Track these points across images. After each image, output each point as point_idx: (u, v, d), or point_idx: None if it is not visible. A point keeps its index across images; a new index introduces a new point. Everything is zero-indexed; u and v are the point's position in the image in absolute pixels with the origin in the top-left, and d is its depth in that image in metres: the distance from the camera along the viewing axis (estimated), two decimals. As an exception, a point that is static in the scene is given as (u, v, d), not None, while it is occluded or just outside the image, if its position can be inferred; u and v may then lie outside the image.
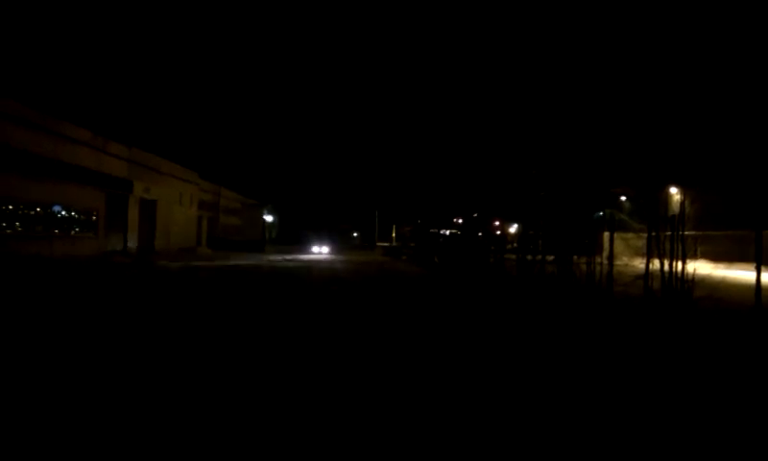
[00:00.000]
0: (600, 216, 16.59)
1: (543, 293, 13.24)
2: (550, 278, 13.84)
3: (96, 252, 27.96)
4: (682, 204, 10.34)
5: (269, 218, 62.10)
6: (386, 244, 57.25)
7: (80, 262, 22.20)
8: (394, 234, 71.51)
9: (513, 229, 27.41)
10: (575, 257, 13.25)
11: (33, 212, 24.08)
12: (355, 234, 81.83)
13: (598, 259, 12.50)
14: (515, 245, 19.66)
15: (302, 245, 48.77)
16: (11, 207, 22.55)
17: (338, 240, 55.11)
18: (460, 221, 33.90)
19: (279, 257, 35.28)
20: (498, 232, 26.75)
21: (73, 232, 27.35)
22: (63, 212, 26.51)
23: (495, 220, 27.72)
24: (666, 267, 9.94)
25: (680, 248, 9.78)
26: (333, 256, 39.85)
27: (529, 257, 15.66)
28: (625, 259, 15.74)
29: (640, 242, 13.44)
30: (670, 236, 10.04)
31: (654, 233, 10.49)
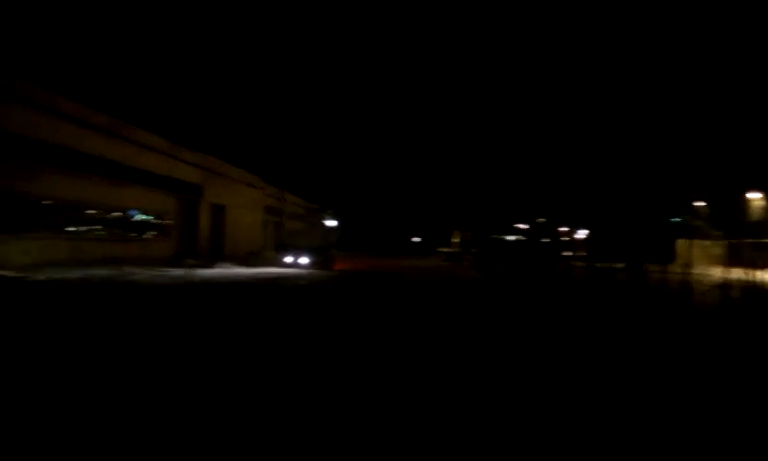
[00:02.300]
0: (676, 222, 15.75)
1: (615, 302, 12.64)
2: (621, 285, 13.22)
3: (168, 254, 29.30)
4: (766, 210, 9.61)
5: (331, 223, 62.95)
6: (447, 249, 56.75)
7: (156, 264, 23.27)
8: (455, 240, 70.94)
9: (580, 234, 26.50)
10: (648, 265, 12.61)
11: (111, 217, 25.52)
12: (416, 239, 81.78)
13: (674, 268, 11.84)
14: (580, 252, 18.99)
15: (363, 250, 49.26)
16: (92, 212, 24.01)
17: (399, 245, 55.31)
18: (523, 227, 33.15)
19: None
20: (565, 238, 25.96)
21: (148, 236, 28.77)
22: (140, 216, 27.95)
23: (562, 226, 26.92)
24: (748, 276, 9.26)
25: (765, 256, 9.08)
26: (394, 261, 39.95)
27: (598, 265, 15.07)
28: (702, 268, 14.82)
29: (718, 250, 12.64)
30: (752, 244, 9.36)
31: (733, 241, 9.81)
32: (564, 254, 19.94)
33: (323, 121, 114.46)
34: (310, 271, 25.37)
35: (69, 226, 22.29)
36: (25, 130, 19.33)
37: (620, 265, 14.01)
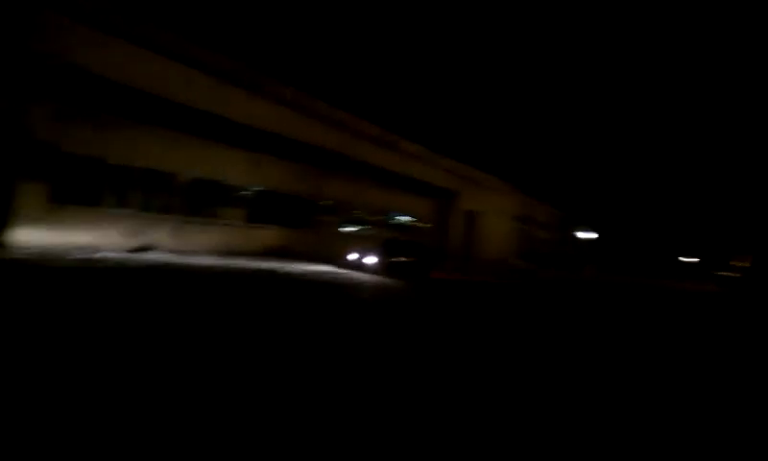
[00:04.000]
0: None
1: None
2: None
3: (422, 255, 31.12)
4: None
5: (585, 235, 59.40)
6: (727, 274, 48.44)
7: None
8: (738, 264, 60.15)
9: None
10: None
11: (374, 218, 28.22)
12: (691, 260, 71.72)
13: None
14: None
15: (620, 267, 45.11)
16: (361, 212, 26.90)
17: (667, 265, 49.14)
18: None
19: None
20: None
21: (406, 236, 31.05)
22: (400, 219, 30.35)
23: None
24: None
25: None
26: (665, 282, 35.55)
27: None
28: None
29: None
30: None
31: None
32: None
33: (579, 130, 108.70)
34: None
35: (343, 224, 25.35)
36: (321, 141, 22.83)
37: None
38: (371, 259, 18.51)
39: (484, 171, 40.00)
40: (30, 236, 13.10)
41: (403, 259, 18.72)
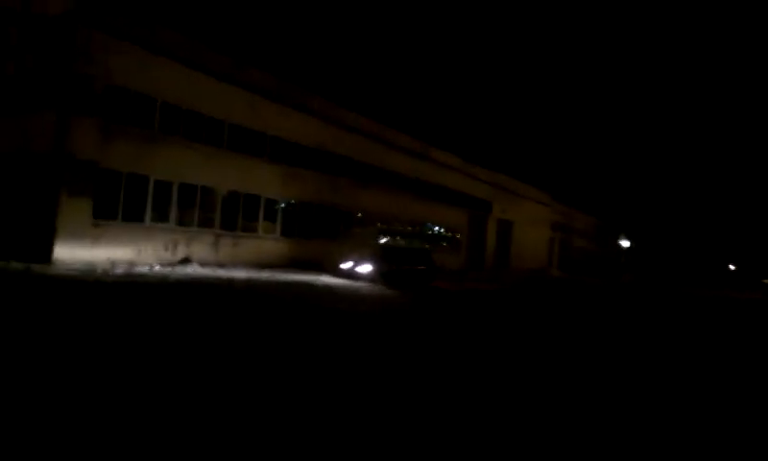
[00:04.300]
0: None
1: None
2: None
3: (458, 266, 30.76)
4: None
5: (623, 243, 57.88)
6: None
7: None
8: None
9: None
10: None
11: (410, 229, 28.02)
12: (732, 267, 69.08)
13: None
14: None
15: (662, 275, 43.82)
16: (395, 223, 26.76)
17: (707, 273, 47.49)
18: None
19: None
20: None
21: (440, 248, 30.72)
22: (434, 229, 30.07)
23: None
24: None
25: None
26: (702, 292, 34.31)
27: None
28: None
29: None
30: None
31: None
32: None
33: (618, 138, 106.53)
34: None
35: (379, 236, 25.13)
36: (352, 153, 22.89)
37: None
38: (366, 268, 16.73)
39: (520, 180, 39.41)
40: (73, 252, 13.39)
41: (403, 268, 16.95)
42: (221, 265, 16.91)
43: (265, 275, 15.82)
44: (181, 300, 9.63)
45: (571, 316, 13.53)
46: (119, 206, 14.74)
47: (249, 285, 13.08)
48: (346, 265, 17.28)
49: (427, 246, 22.78)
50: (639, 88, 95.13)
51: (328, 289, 13.93)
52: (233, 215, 18.32)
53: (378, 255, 17.02)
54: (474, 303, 14.72)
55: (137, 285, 10.82)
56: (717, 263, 70.16)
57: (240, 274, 15.35)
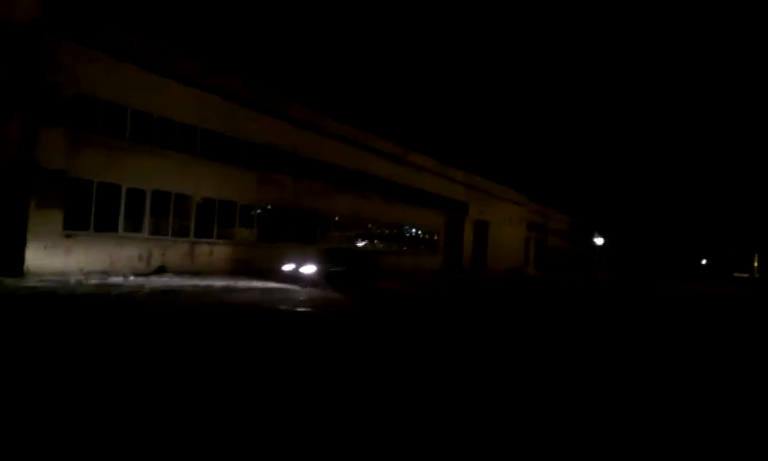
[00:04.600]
0: None
1: None
2: None
3: (436, 267, 30.95)
4: None
5: (598, 241, 58.87)
6: (745, 275, 47.71)
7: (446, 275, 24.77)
8: (756, 264, 59.31)
9: None
10: None
11: (387, 231, 28.09)
12: (704, 262, 70.67)
13: None
14: None
15: (636, 272, 44.59)
16: (371, 226, 26.80)
17: (680, 268, 48.53)
18: None
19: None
20: None
21: (417, 249, 30.86)
22: (412, 232, 30.21)
23: None
24: None
25: None
26: (680, 288, 35.06)
27: None
28: None
29: None
30: None
31: None
32: None
33: (592, 138, 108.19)
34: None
35: (353, 239, 25.18)
36: (329, 157, 22.87)
37: None
38: (308, 269, 16.51)
39: (496, 181, 39.82)
40: (45, 264, 13.16)
41: (345, 269, 17.07)
42: (197, 273, 16.75)
43: (242, 283, 15.73)
44: (136, 315, 9.53)
45: (498, 308, 13.73)
46: (91, 216, 14.51)
47: (197, 294, 13.00)
48: (287, 267, 17.01)
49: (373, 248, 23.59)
50: (611, 88, 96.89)
51: (279, 293, 13.87)
52: (209, 222, 18.16)
53: (321, 257, 17.15)
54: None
55: (108, 297, 10.67)
56: (690, 258, 71.71)
57: (217, 282, 15.23)
